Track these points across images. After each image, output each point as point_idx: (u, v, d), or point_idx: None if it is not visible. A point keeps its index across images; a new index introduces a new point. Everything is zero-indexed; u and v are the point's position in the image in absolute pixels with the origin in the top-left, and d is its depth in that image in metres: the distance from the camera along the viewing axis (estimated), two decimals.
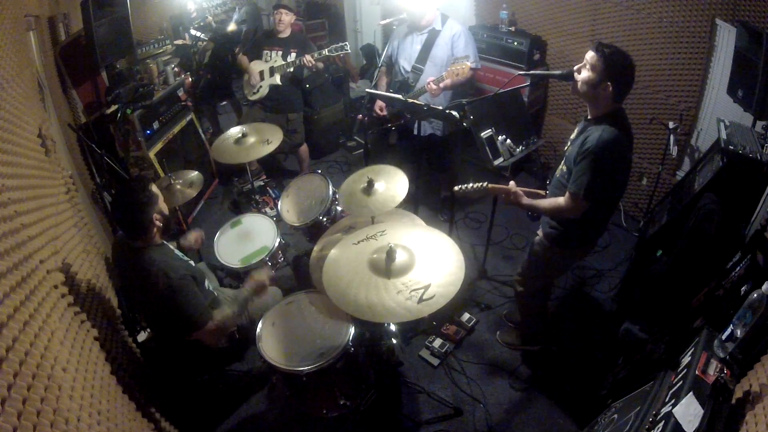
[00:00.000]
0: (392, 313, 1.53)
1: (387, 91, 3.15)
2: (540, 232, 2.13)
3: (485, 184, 2.03)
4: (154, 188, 1.76)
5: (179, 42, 4.18)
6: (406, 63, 3.01)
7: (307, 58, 3.28)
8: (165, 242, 1.88)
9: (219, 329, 1.84)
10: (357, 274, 1.65)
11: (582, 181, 1.72)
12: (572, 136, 1.91)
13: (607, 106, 1.72)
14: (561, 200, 1.84)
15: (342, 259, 1.76)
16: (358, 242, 1.80)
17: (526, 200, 1.96)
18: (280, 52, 3.48)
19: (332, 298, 1.62)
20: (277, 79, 3.48)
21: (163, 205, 1.78)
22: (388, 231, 1.82)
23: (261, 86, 3.53)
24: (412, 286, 1.56)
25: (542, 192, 2.04)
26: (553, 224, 2.01)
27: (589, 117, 1.82)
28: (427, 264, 1.65)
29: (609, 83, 1.65)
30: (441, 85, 2.75)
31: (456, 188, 2.10)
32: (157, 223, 1.75)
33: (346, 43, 3.26)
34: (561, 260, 2.15)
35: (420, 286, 1.55)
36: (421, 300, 1.51)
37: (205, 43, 4.21)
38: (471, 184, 2.05)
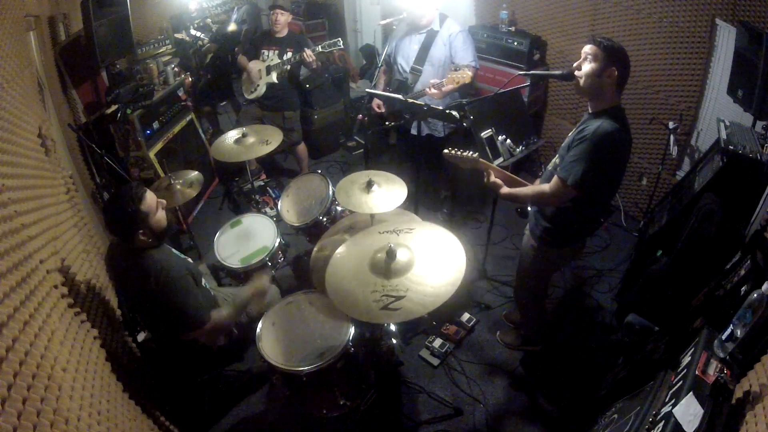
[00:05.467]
0: (354, 306, 1.53)
1: (385, 89, 3.16)
2: (527, 230, 2.13)
3: (476, 154, 1.98)
4: (148, 200, 1.69)
5: (179, 36, 4.18)
6: (404, 63, 3.01)
7: (308, 53, 3.29)
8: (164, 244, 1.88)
9: (216, 329, 1.84)
10: (358, 267, 1.66)
11: (572, 167, 1.70)
12: (571, 132, 1.90)
13: (611, 98, 1.71)
14: (545, 186, 1.82)
15: (351, 250, 1.76)
16: (382, 232, 1.80)
17: (505, 190, 1.92)
18: (276, 52, 3.50)
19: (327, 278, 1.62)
20: (273, 78, 3.49)
21: (154, 220, 1.71)
22: (416, 229, 1.79)
23: (258, 85, 3.55)
24: (389, 291, 1.52)
25: (524, 182, 2.00)
26: (539, 222, 1.99)
27: (590, 111, 1.80)
28: (421, 276, 1.58)
29: (614, 68, 1.65)
30: (443, 90, 2.76)
31: (445, 151, 2.05)
32: (141, 237, 1.68)
33: (339, 39, 3.27)
34: (548, 259, 2.11)
35: (395, 294, 1.51)
36: (385, 307, 1.49)
37: (207, 44, 4.22)
38: (462, 151, 2.00)
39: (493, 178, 1.96)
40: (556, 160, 1.87)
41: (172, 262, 1.77)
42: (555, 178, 1.77)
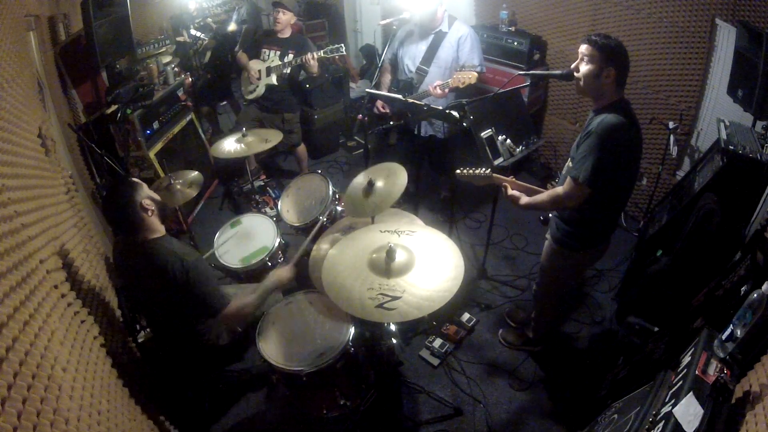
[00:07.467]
0: (348, 301, 1.52)
1: (389, 89, 3.15)
2: (548, 236, 2.12)
3: (488, 170, 2.00)
4: (134, 179, 1.77)
5: (180, 39, 4.19)
6: (410, 63, 3.00)
7: (308, 56, 3.27)
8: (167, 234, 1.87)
9: (239, 315, 1.83)
10: (356, 262, 1.66)
11: (582, 165, 1.69)
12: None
13: (611, 95, 1.70)
14: (559, 189, 1.81)
15: (351, 245, 1.76)
16: (384, 231, 1.80)
17: (524, 200, 1.92)
18: (278, 52, 3.48)
19: (324, 274, 1.62)
20: (273, 79, 3.48)
21: (150, 192, 1.76)
22: (417, 232, 1.79)
23: (258, 85, 3.54)
24: (386, 290, 1.52)
25: (540, 189, 1.99)
26: (559, 226, 1.99)
27: (593, 109, 1.79)
28: (418, 279, 1.57)
29: (611, 68, 1.64)
30: (447, 90, 2.76)
31: (458, 171, 2.07)
32: (149, 207, 1.71)
33: (342, 45, 3.26)
34: (571, 263, 2.09)
35: (391, 294, 1.50)
36: (380, 306, 1.48)
37: (205, 41, 4.22)
38: (474, 169, 2.02)
39: (510, 192, 1.96)
40: (569, 163, 1.86)
41: (185, 249, 1.78)
42: (568, 179, 1.76)
